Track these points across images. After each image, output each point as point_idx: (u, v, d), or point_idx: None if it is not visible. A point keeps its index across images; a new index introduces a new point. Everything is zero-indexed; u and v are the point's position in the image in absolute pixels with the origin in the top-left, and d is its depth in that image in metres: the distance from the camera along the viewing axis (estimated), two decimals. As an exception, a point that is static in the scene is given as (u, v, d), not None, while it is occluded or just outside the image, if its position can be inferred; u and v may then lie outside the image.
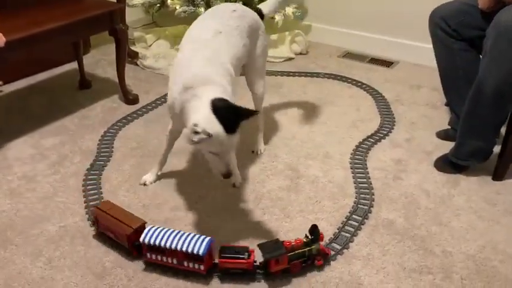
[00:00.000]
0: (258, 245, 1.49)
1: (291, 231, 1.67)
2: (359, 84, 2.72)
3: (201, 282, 1.48)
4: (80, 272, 1.52)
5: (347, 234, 1.65)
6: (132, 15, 3.24)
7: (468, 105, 1.84)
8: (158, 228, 1.53)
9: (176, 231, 1.52)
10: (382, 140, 2.20)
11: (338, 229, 1.68)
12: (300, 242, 1.50)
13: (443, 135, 2.20)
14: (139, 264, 1.55)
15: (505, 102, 1.77)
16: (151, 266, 1.53)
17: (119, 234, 1.57)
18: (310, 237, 1.50)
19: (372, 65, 2.97)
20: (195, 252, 1.44)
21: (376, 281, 1.48)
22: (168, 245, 1.47)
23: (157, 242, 1.48)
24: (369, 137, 2.22)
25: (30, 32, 1.98)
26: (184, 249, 1.45)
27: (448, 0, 2.03)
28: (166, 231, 1.51)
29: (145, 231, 1.52)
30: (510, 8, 1.67)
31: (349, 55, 3.11)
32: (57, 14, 2.17)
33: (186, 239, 1.48)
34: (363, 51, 3.13)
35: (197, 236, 1.50)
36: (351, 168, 2.00)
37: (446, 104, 2.40)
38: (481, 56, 1.82)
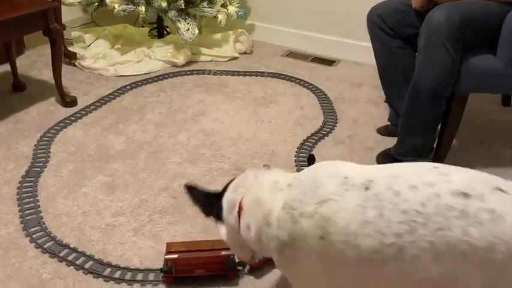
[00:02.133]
0: None
1: (238, 231, 1.65)
2: (302, 82, 2.75)
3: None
4: (15, 286, 1.43)
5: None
6: (69, 15, 3.11)
7: (407, 103, 1.90)
8: None
9: None
10: (326, 138, 2.24)
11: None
12: None
13: (383, 131, 2.26)
14: (79, 274, 1.48)
15: (441, 99, 1.84)
16: (94, 274, 1.47)
17: (212, 263, 1.43)
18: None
19: (314, 63, 3.02)
20: None
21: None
22: None
23: None
24: (313, 134, 2.24)
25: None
26: None
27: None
28: None
29: None
30: (441, 7, 1.74)
31: (292, 54, 3.14)
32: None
33: None
34: (306, 50, 3.17)
35: None
36: (296, 166, 2.02)
37: (386, 101, 2.47)
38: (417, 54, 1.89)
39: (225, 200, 1.19)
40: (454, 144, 2.01)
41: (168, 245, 1.47)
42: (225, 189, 1.22)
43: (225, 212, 1.19)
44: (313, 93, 2.64)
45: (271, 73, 2.86)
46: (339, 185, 0.98)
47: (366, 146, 2.18)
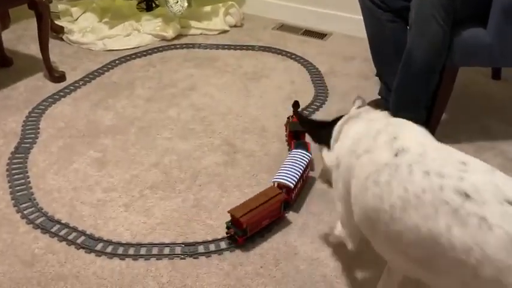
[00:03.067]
0: None
1: (229, 205, 1.67)
2: (293, 56, 2.73)
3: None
4: (8, 261, 1.45)
5: (283, 206, 1.68)
6: (55, -13, 3.04)
7: (399, 78, 1.90)
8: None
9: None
10: (316, 112, 2.23)
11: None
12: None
13: (374, 105, 2.26)
14: (71, 249, 1.50)
15: (433, 72, 1.83)
16: (86, 249, 1.49)
17: (273, 210, 1.57)
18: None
19: (305, 37, 2.99)
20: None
21: (311, 249, 1.52)
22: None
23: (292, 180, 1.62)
24: (303, 109, 2.24)
25: None
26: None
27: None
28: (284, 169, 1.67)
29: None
30: (432, -20, 1.72)
31: (283, 27, 3.11)
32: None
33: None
34: (297, 23, 3.13)
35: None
36: (287, 141, 2.02)
37: (377, 75, 2.46)
38: (408, 28, 1.87)
39: (335, 130, 1.33)
40: (444, 118, 2.02)
41: (233, 211, 1.52)
42: (335, 121, 1.36)
43: (332, 140, 1.33)
44: (305, 67, 2.63)
45: (262, 47, 2.84)
46: (385, 142, 1.09)
47: (357, 120, 2.18)
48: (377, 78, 2.43)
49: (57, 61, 2.54)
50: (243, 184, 1.78)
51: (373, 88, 2.40)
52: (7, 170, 1.80)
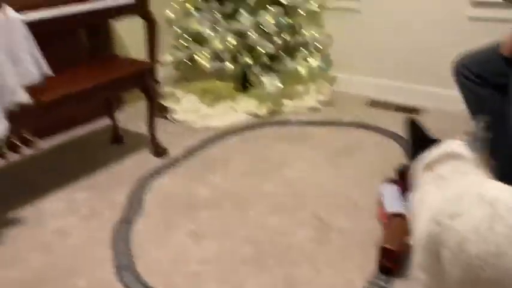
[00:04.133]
0: None
1: (320, 284, 1.63)
2: (386, 132, 2.71)
3: None
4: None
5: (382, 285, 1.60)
6: (162, 72, 3.37)
7: (502, 165, 1.79)
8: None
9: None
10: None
11: (369, 282, 1.62)
12: None
13: None
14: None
15: None
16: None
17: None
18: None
19: (398, 113, 2.97)
20: None
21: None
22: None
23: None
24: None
25: (65, 92, 2.08)
26: None
27: (470, 48, 2.05)
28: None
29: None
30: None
31: (374, 103, 3.12)
32: (92, 74, 2.28)
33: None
34: (389, 99, 3.14)
35: None
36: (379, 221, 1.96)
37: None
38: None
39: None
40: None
41: (384, 244, 1.66)
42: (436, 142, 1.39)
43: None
44: (398, 144, 2.59)
45: (353, 123, 2.86)
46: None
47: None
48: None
49: (162, 138, 2.75)
50: (336, 263, 1.73)
51: (473, 165, 2.28)
52: (112, 239, 1.94)
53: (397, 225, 1.73)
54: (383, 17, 3.09)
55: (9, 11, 1.79)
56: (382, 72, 3.19)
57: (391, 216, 1.80)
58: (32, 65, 1.86)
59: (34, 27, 2.04)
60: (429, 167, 1.29)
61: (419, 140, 1.43)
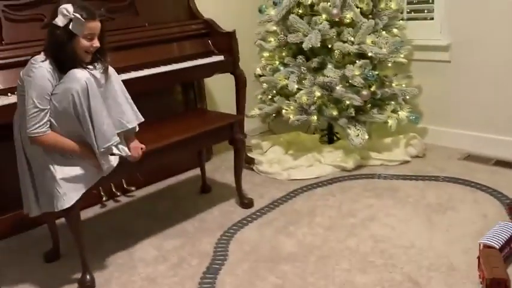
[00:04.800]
0: None
1: None
2: (484, 188, 2.53)
3: None
4: None
5: None
6: (250, 125, 3.48)
7: None
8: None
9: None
10: (516, 252, 1.97)
11: None
12: None
13: None
14: None
15: None
16: None
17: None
18: None
19: (498, 167, 2.77)
20: None
21: None
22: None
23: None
24: (500, 247, 1.99)
25: (163, 143, 2.22)
26: None
27: None
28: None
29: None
30: None
31: (470, 157, 2.95)
32: (185, 127, 2.42)
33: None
34: (486, 153, 2.95)
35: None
36: (481, 283, 1.80)
37: None
38: None
39: None
40: None
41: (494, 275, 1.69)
42: None
43: None
44: (498, 200, 2.40)
45: (447, 177, 2.71)
46: None
47: None
48: None
49: (247, 189, 2.80)
50: (430, 329, 1.60)
51: None
52: (198, 288, 1.97)
53: (494, 253, 1.81)
54: (474, 68, 2.96)
55: (110, 69, 1.99)
56: (475, 125, 3.02)
57: (485, 248, 1.87)
58: (125, 115, 2.02)
59: (137, 84, 2.24)
60: None
61: None
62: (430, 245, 2.09)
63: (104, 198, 2.77)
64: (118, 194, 2.82)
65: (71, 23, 1.80)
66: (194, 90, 3.24)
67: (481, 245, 1.88)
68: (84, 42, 1.85)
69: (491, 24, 2.84)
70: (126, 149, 2.03)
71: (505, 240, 1.88)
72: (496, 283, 1.68)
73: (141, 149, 2.07)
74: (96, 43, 1.88)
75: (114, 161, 1.96)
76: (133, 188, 2.87)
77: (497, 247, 1.84)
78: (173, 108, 3.12)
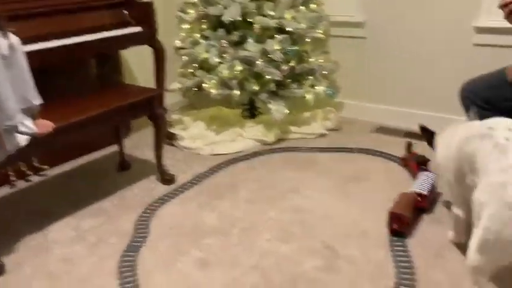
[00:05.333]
0: None
1: (330, 315, 1.59)
2: (394, 158, 2.70)
3: None
4: None
5: (389, 319, 1.56)
6: (170, 99, 3.40)
7: None
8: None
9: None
10: (423, 216, 2.13)
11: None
12: None
13: None
14: None
15: None
16: None
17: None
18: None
19: (407, 139, 2.95)
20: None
21: None
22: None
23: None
24: (407, 213, 2.15)
25: (75, 119, 2.10)
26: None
27: (476, 74, 2.05)
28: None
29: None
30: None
31: (383, 130, 3.12)
32: (101, 102, 2.30)
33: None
34: (398, 125, 3.13)
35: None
36: (390, 247, 1.93)
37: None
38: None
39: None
40: None
41: (393, 209, 2.01)
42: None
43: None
44: (407, 170, 2.57)
45: (362, 149, 2.85)
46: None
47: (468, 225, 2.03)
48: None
49: (169, 165, 2.76)
50: (345, 292, 1.70)
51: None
52: (119, 268, 1.91)
53: (408, 196, 2.11)
54: (388, 44, 3.11)
55: (13, 39, 1.83)
56: (389, 99, 3.19)
57: (404, 193, 2.15)
58: (32, 90, 1.89)
59: (45, 56, 2.08)
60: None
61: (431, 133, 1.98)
62: (345, 213, 2.20)
63: (13, 178, 2.59)
64: (29, 173, 2.64)
65: None
66: (110, 63, 3.09)
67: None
68: None
69: (404, 3, 2.98)
70: (32, 126, 1.89)
71: (430, 186, 2.17)
72: (394, 216, 1.99)
73: (50, 126, 1.95)
74: None
75: (21, 140, 1.83)
76: (46, 167, 2.70)
77: (426, 193, 2.12)
78: (87, 83, 2.96)
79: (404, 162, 2.62)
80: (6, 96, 1.74)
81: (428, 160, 2.46)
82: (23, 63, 1.86)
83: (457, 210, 1.77)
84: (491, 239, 1.26)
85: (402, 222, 1.97)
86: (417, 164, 2.47)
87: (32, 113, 1.92)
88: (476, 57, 2.75)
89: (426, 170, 2.40)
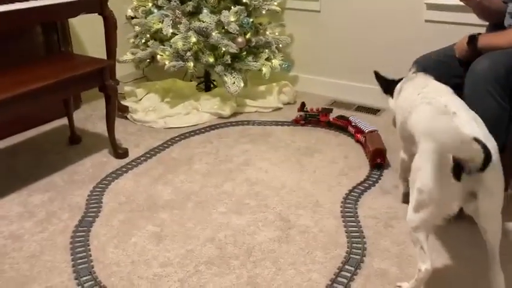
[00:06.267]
0: None
1: (283, 284, 1.64)
2: (346, 132, 2.76)
3: None
4: (66, 335, 1.47)
5: (340, 286, 1.62)
6: (122, 70, 3.30)
7: None
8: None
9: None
10: (372, 188, 2.21)
11: (331, 280, 1.65)
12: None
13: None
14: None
15: None
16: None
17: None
18: None
19: (358, 112, 3.03)
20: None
21: None
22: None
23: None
24: (358, 184, 2.22)
25: (18, 91, 2.00)
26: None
27: (426, 49, 2.11)
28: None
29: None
30: (485, 57, 1.73)
31: (336, 104, 3.17)
32: (48, 72, 2.20)
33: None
34: (350, 99, 3.20)
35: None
36: (342, 217, 2.00)
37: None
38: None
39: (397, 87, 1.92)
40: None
41: (376, 146, 2.41)
42: (399, 81, 1.94)
43: (395, 93, 1.92)
44: (358, 143, 2.64)
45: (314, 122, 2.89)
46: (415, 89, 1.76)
47: (414, 196, 2.13)
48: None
49: (121, 138, 2.70)
50: (298, 262, 1.75)
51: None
52: (70, 243, 1.88)
53: (375, 135, 2.50)
54: (341, 18, 3.14)
55: None
56: (342, 73, 3.24)
57: (369, 133, 2.52)
58: None
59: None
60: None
61: (384, 81, 2.00)
62: (299, 185, 2.24)
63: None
64: (-29, 147, 2.52)
65: None
66: (57, 32, 2.95)
67: (366, 131, 2.56)
68: None
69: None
70: None
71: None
72: (379, 152, 2.35)
73: None
74: None
75: None
76: (-11, 141, 2.59)
77: (375, 129, 2.56)
78: (33, 52, 2.82)
79: (297, 120, 2.89)
80: None
81: (331, 110, 2.88)
82: None
83: (403, 155, 1.95)
84: (425, 199, 1.36)
85: (383, 156, 2.36)
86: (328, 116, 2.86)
87: None
88: (427, 33, 2.82)
89: (345, 118, 2.80)
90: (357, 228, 1.92)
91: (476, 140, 1.22)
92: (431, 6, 2.80)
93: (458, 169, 1.26)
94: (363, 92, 3.13)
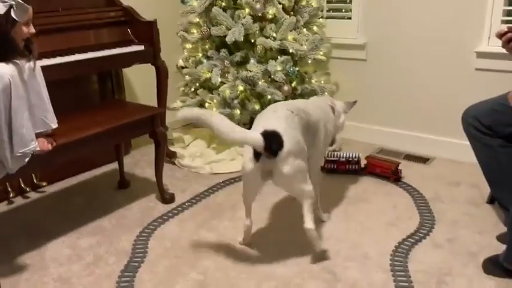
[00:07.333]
0: None
1: None
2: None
3: None
4: None
5: None
6: (171, 117, 3.39)
7: None
8: None
9: None
10: (423, 240, 2.11)
11: None
12: None
13: (502, 238, 2.06)
14: None
15: None
16: None
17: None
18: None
19: (407, 161, 2.95)
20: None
21: None
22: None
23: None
24: (408, 236, 2.13)
25: (75, 137, 2.09)
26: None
27: (477, 98, 2.06)
28: None
29: None
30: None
31: (383, 152, 3.11)
32: (102, 119, 2.30)
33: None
34: (398, 148, 3.13)
35: None
36: (391, 271, 1.91)
37: (488, 202, 2.32)
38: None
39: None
40: None
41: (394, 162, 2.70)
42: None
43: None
44: (407, 192, 2.56)
45: (363, 171, 2.83)
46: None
47: (469, 251, 2.01)
48: (488, 205, 2.29)
49: (169, 183, 2.74)
50: (346, 317, 1.67)
51: (484, 216, 2.25)
52: (116, 288, 1.89)
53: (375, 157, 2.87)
54: (388, 67, 3.13)
55: (35, 63, 1.84)
56: (389, 121, 3.20)
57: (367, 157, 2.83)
58: (51, 113, 1.90)
59: (49, 73, 2.09)
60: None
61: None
62: (346, 235, 2.18)
63: (11, 195, 2.57)
64: (27, 189, 2.63)
65: (13, 10, 1.66)
66: (112, 80, 3.10)
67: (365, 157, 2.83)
68: (24, 29, 1.73)
69: (404, 26, 3.01)
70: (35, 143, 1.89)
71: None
72: (397, 167, 2.68)
73: (51, 143, 1.94)
74: (32, 29, 1.77)
75: (24, 159, 1.83)
76: (44, 184, 2.69)
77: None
78: (89, 100, 2.97)
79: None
80: (22, 124, 1.74)
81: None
82: (43, 87, 1.87)
83: None
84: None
85: (399, 172, 2.66)
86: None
87: (45, 134, 1.93)
88: (477, 81, 2.76)
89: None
90: (407, 284, 1.83)
91: (264, 135, 1.78)
92: (482, 55, 2.75)
93: (257, 155, 1.81)
94: (411, 140, 3.07)
